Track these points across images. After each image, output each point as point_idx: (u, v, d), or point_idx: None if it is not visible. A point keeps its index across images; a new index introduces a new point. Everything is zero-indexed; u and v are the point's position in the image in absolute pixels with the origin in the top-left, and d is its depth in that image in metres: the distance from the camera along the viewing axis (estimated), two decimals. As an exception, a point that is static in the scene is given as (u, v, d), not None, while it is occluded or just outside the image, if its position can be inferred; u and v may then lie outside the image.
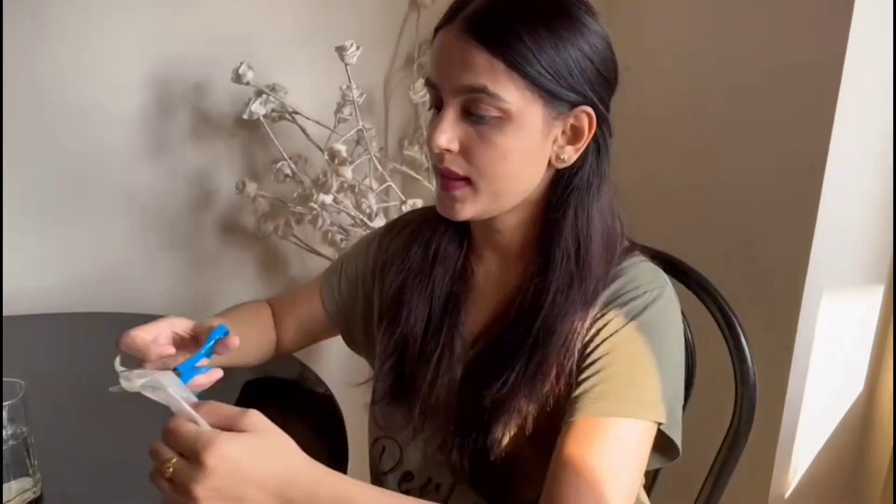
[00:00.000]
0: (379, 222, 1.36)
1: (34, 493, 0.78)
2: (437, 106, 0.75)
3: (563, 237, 0.76)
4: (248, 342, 0.94)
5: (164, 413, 0.59)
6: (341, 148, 1.31)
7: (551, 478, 0.68)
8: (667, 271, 0.97)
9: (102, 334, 1.27)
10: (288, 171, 1.39)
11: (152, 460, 0.56)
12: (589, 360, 0.73)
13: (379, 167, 1.40)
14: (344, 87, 1.34)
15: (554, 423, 0.73)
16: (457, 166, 0.74)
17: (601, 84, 0.74)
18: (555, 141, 0.74)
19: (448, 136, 0.73)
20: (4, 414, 0.75)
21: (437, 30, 0.75)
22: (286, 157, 1.39)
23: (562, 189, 0.76)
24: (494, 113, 0.71)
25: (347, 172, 1.32)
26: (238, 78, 1.32)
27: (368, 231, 1.37)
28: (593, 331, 0.74)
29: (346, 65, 1.29)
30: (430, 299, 0.85)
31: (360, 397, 0.94)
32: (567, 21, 0.70)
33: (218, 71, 1.38)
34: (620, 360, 0.72)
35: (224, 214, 1.49)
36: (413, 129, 1.60)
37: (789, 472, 1.37)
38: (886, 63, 1.18)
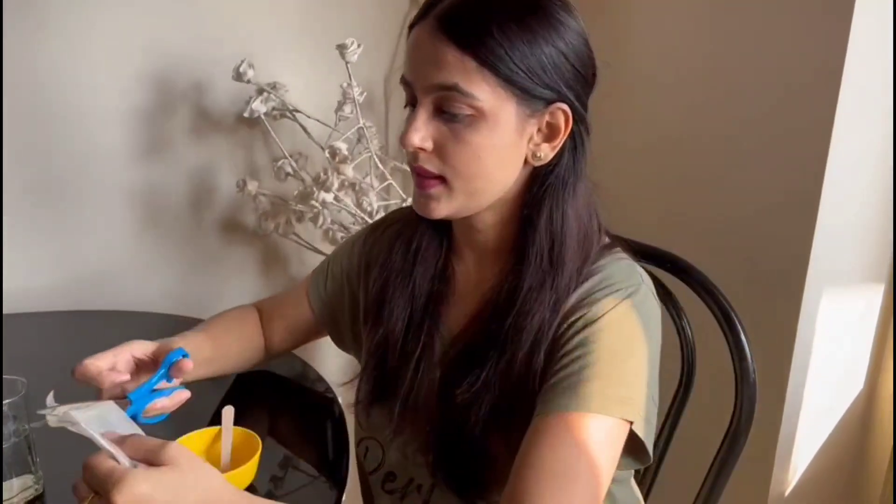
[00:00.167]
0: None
1: (36, 490, 0.78)
2: (412, 104, 0.75)
3: (537, 235, 0.75)
4: (230, 352, 0.95)
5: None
6: (342, 146, 1.32)
7: (514, 472, 0.68)
8: (667, 269, 0.97)
9: (104, 332, 1.28)
10: (289, 170, 1.39)
11: (74, 496, 0.56)
12: (559, 355, 0.73)
13: (380, 165, 1.40)
14: (345, 84, 1.34)
15: (527, 420, 0.72)
16: (431, 165, 0.74)
17: (578, 81, 0.73)
18: (530, 139, 0.74)
19: (421, 134, 0.73)
20: (5, 411, 0.75)
21: (411, 26, 0.75)
22: (287, 155, 1.39)
23: (537, 187, 0.76)
24: (467, 111, 0.70)
25: (348, 170, 1.32)
26: (239, 76, 1.32)
27: (368, 229, 1.38)
28: (564, 327, 0.74)
29: (347, 63, 1.29)
30: (410, 299, 0.85)
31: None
32: (541, 18, 0.70)
33: (219, 69, 1.38)
34: (590, 356, 0.71)
35: (225, 212, 1.50)
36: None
37: (789, 470, 1.37)
38: (887, 62, 1.18)
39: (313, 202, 1.34)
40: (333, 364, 1.59)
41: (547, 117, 0.73)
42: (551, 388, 0.71)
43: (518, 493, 0.66)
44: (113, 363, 0.78)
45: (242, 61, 1.31)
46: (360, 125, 1.35)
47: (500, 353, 0.75)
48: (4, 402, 0.75)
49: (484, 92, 0.69)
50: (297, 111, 1.38)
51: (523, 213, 0.77)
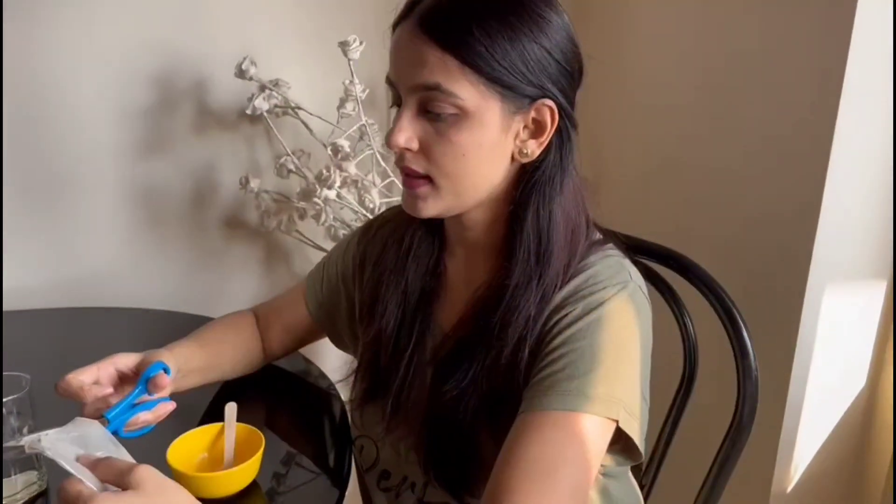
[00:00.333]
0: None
1: (40, 486, 0.79)
2: (398, 104, 0.75)
3: (524, 233, 0.75)
4: (223, 359, 0.95)
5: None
6: (344, 143, 1.32)
7: (496, 469, 0.67)
8: (670, 266, 0.97)
9: (107, 329, 1.28)
10: (291, 167, 1.39)
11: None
12: (544, 353, 0.73)
13: (382, 163, 1.40)
14: (347, 82, 1.34)
15: (514, 417, 0.72)
16: (417, 165, 0.74)
17: (563, 77, 0.73)
18: (517, 136, 0.74)
19: (406, 134, 0.73)
20: (9, 407, 0.76)
21: (394, 26, 0.75)
22: (289, 152, 1.39)
23: (525, 184, 0.76)
24: (450, 110, 0.70)
25: (350, 168, 1.32)
26: (241, 73, 1.32)
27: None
28: (550, 324, 0.74)
29: (350, 60, 1.29)
30: (403, 297, 0.85)
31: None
32: (523, 15, 0.70)
33: (221, 66, 1.38)
34: (574, 354, 0.71)
35: (227, 210, 1.50)
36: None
37: (791, 468, 1.37)
38: (889, 60, 1.18)
39: (315, 199, 1.34)
40: (336, 361, 1.59)
41: (532, 114, 0.73)
42: (535, 385, 0.71)
43: (499, 489, 0.65)
44: (96, 377, 0.77)
45: (245, 58, 1.31)
46: (363, 122, 1.35)
47: (487, 350, 0.76)
48: (9, 398, 0.75)
49: (467, 91, 0.69)
50: (300, 108, 1.38)
51: (511, 210, 0.77)
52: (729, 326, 0.93)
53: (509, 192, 0.77)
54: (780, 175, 1.28)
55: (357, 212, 1.39)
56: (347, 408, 0.94)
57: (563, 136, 0.75)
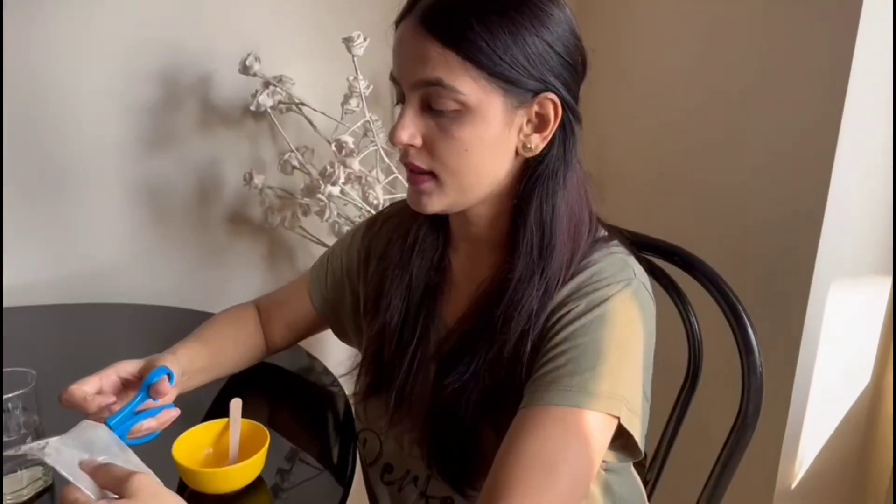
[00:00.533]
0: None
1: (45, 482, 0.79)
2: (402, 101, 0.75)
3: (527, 226, 0.75)
4: (226, 356, 0.95)
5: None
6: (348, 139, 1.32)
7: (496, 463, 0.68)
8: (675, 263, 0.97)
9: (111, 325, 1.29)
10: (295, 163, 1.39)
11: None
12: (547, 349, 0.73)
13: (386, 159, 1.40)
14: (351, 78, 1.34)
15: (515, 411, 0.72)
16: (421, 161, 0.74)
17: (566, 70, 0.73)
18: (520, 130, 0.74)
19: (409, 131, 0.73)
20: (11, 403, 0.76)
21: (396, 23, 0.75)
22: (293, 148, 1.39)
23: (528, 178, 0.76)
24: (453, 106, 0.70)
25: (354, 164, 1.32)
26: (245, 69, 1.32)
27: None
28: (553, 320, 0.74)
29: (354, 56, 1.29)
30: (407, 291, 0.85)
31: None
32: (523, 9, 0.70)
33: (225, 62, 1.38)
34: (576, 350, 0.71)
35: (231, 206, 1.50)
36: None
37: (796, 464, 1.37)
38: (890, 65, 1.18)
39: (319, 195, 1.34)
40: (339, 356, 1.59)
41: (536, 108, 0.73)
42: (537, 381, 0.71)
43: (499, 484, 0.66)
44: (98, 387, 0.77)
45: (249, 54, 1.31)
46: (367, 119, 1.35)
47: (490, 344, 0.76)
48: (14, 393, 0.76)
49: (468, 86, 0.69)
50: (304, 104, 1.38)
51: (514, 204, 0.77)
52: (733, 323, 0.93)
53: (513, 186, 0.77)
54: (785, 172, 1.28)
55: (361, 208, 1.39)
56: (351, 402, 0.94)
57: (566, 129, 0.75)
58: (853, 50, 1.14)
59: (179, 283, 1.48)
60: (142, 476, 0.57)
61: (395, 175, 1.42)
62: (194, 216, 1.47)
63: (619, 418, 0.70)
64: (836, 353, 1.33)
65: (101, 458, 0.60)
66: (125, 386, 0.80)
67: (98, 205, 1.38)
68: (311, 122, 1.40)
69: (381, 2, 1.50)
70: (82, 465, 0.58)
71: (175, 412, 0.79)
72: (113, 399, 0.77)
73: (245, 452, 0.82)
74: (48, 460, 0.58)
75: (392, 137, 0.73)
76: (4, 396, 0.75)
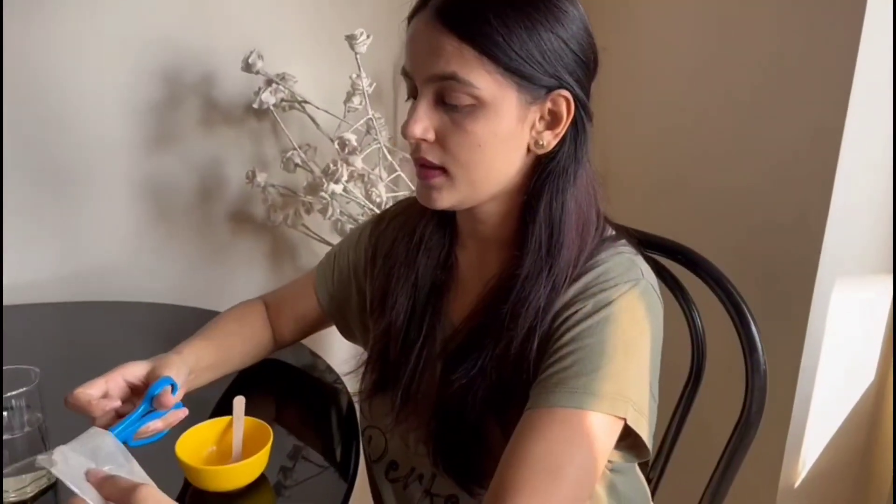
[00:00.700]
0: (385, 212, 1.36)
1: (49, 479, 0.79)
2: (414, 95, 0.75)
3: (536, 223, 0.75)
4: (233, 353, 0.96)
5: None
6: (351, 137, 1.31)
7: (502, 465, 0.67)
8: (678, 261, 0.97)
9: (114, 323, 1.29)
10: (298, 161, 1.39)
11: None
12: (553, 348, 0.72)
13: (388, 156, 1.40)
14: (354, 76, 1.33)
15: (521, 410, 0.72)
16: (433, 156, 0.74)
17: (579, 67, 0.73)
18: (532, 126, 0.73)
19: (423, 125, 0.72)
20: (15, 401, 0.76)
21: (410, 17, 0.74)
22: (296, 146, 1.39)
23: (538, 175, 0.75)
24: (467, 100, 0.70)
25: (357, 162, 1.32)
26: (248, 67, 1.32)
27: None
28: (559, 320, 0.73)
29: (356, 54, 1.29)
30: (413, 289, 0.85)
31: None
32: (539, 5, 0.70)
33: (228, 60, 1.38)
34: (582, 351, 0.70)
35: (234, 204, 1.50)
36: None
37: (799, 463, 1.37)
38: (890, 70, 1.17)
39: (322, 193, 1.34)
40: (343, 354, 1.59)
41: (549, 104, 0.73)
42: (543, 382, 0.71)
43: (504, 486, 0.65)
44: (104, 390, 0.77)
45: (252, 52, 1.31)
46: (369, 116, 1.35)
47: (497, 340, 0.76)
48: (18, 391, 0.76)
49: (483, 81, 0.69)
50: (306, 102, 1.38)
51: (524, 200, 0.77)
52: (737, 321, 0.93)
53: (523, 183, 0.77)
54: (789, 170, 1.28)
55: (363, 206, 1.39)
56: (355, 400, 0.94)
57: (578, 127, 0.75)
58: (857, 54, 1.14)
59: (182, 280, 1.49)
60: (147, 487, 0.57)
61: (397, 173, 1.42)
62: (197, 214, 1.47)
63: (625, 419, 0.70)
64: (840, 352, 1.32)
65: (107, 468, 0.60)
66: (131, 390, 0.79)
67: (101, 203, 1.38)
68: (313, 120, 1.40)
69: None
70: (88, 476, 0.58)
71: (183, 412, 0.79)
72: (118, 403, 0.77)
73: (248, 450, 0.82)
74: (55, 471, 0.58)
75: (404, 132, 0.73)
76: (8, 394, 0.75)
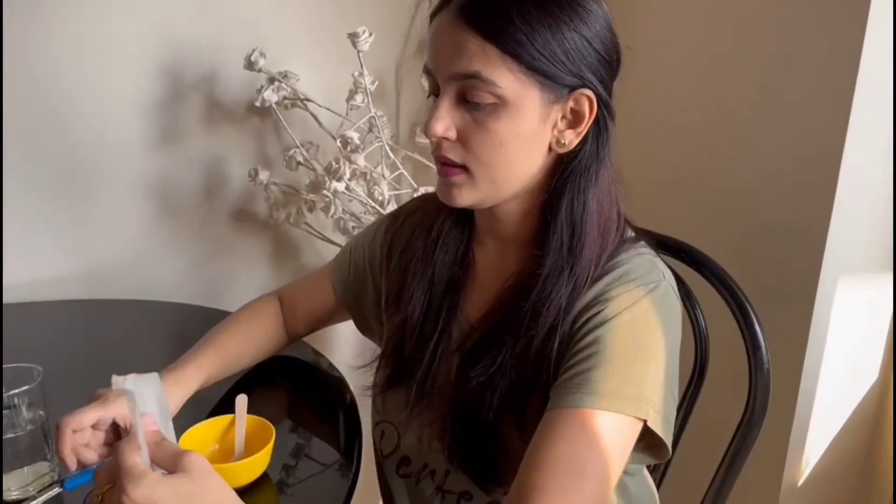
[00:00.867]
0: (391, 210, 1.36)
1: (52, 477, 0.79)
2: (435, 93, 0.75)
3: (558, 222, 0.75)
4: (243, 356, 0.96)
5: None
6: (353, 135, 1.31)
7: (524, 466, 0.67)
8: (682, 260, 0.97)
9: (117, 321, 1.29)
10: (300, 159, 1.39)
11: (94, 483, 0.57)
12: (575, 349, 0.72)
13: (391, 154, 1.40)
14: (356, 73, 1.33)
15: (540, 408, 0.72)
16: (454, 154, 0.74)
17: (602, 67, 0.73)
18: (554, 125, 0.73)
19: (445, 123, 0.72)
20: (17, 399, 0.76)
21: (432, 15, 0.74)
22: (298, 144, 1.39)
23: (560, 174, 0.75)
24: (489, 99, 0.70)
25: (360, 160, 1.32)
26: (250, 65, 1.31)
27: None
28: (581, 321, 0.73)
29: (359, 51, 1.28)
30: (430, 284, 0.85)
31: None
32: (563, 4, 0.69)
33: (230, 58, 1.38)
34: (605, 351, 0.70)
35: (236, 202, 1.50)
36: (424, 117, 1.59)
37: (802, 461, 1.37)
38: (890, 71, 1.17)
39: (325, 192, 1.34)
40: (346, 352, 1.60)
41: (571, 104, 0.73)
42: (564, 382, 0.70)
43: (528, 487, 0.65)
44: (95, 420, 0.75)
45: (254, 50, 1.31)
46: (372, 114, 1.35)
47: (517, 338, 0.75)
48: (20, 389, 0.76)
49: (506, 79, 0.69)
50: (309, 100, 1.38)
51: (545, 199, 0.76)
52: (741, 320, 0.92)
53: (544, 182, 0.76)
54: (793, 168, 1.27)
55: (366, 204, 1.39)
56: (357, 394, 0.94)
57: (600, 126, 0.75)
58: (860, 54, 1.14)
59: (184, 278, 1.49)
60: (195, 455, 0.57)
61: (400, 171, 1.42)
62: (199, 212, 1.47)
63: (645, 421, 0.70)
64: (843, 350, 1.32)
65: (150, 412, 0.59)
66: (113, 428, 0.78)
67: (103, 201, 1.38)
68: (316, 118, 1.40)
69: (387, -3, 1.51)
70: (144, 425, 0.58)
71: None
72: (95, 459, 0.76)
73: (250, 448, 0.82)
74: (138, 403, 0.57)
75: (427, 130, 0.73)
76: (11, 392, 0.75)
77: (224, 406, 0.91)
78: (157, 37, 1.34)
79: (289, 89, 1.35)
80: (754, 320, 0.91)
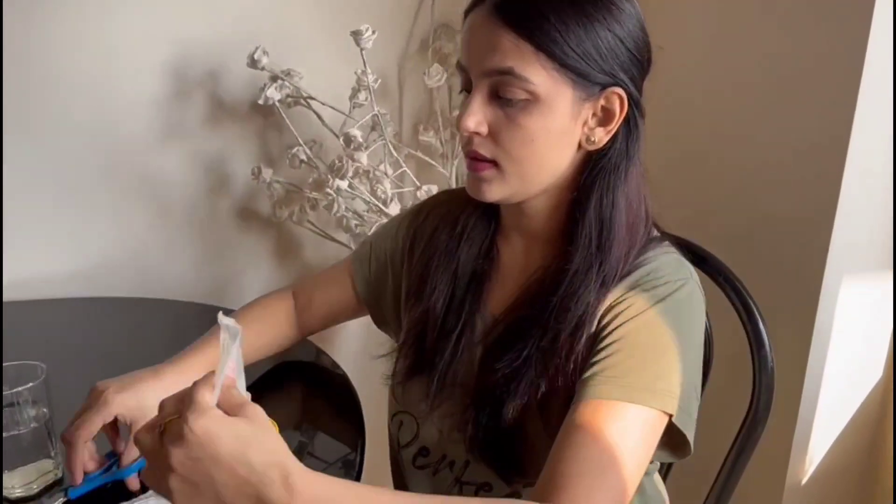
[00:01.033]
0: (394, 208, 1.36)
1: (55, 475, 0.79)
2: (467, 89, 0.75)
3: (587, 219, 0.75)
4: (252, 355, 0.96)
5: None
6: (356, 133, 1.31)
7: (552, 457, 0.67)
8: (686, 257, 0.96)
9: (120, 319, 1.29)
10: (303, 157, 1.39)
11: (157, 411, 0.57)
12: (603, 343, 0.73)
13: (394, 152, 1.39)
14: (359, 71, 1.33)
15: (565, 401, 0.73)
16: (485, 149, 0.74)
17: (633, 65, 0.73)
18: (585, 123, 0.74)
19: (477, 118, 0.73)
20: (21, 396, 0.76)
21: (466, 12, 0.75)
22: (301, 142, 1.39)
23: (589, 171, 0.76)
24: (522, 95, 0.71)
25: (362, 158, 1.32)
26: (253, 63, 1.31)
27: (383, 217, 1.37)
28: (610, 315, 0.74)
29: (362, 49, 1.28)
30: (453, 277, 0.85)
31: (375, 378, 0.95)
32: (597, 2, 0.70)
33: (233, 56, 1.38)
34: (634, 345, 0.71)
35: (239, 200, 1.50)
36: (427, 115, 1.59)
37: (806, 460, 1.37)
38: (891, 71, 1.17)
39: (328, 190, 1.34)
40: (348, 351, 1.60)
41: (602, 102, 0.73)
42: (593, 376, 0.71)
43: (555, 479, 0.65)
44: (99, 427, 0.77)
45: (257, 48, 1.31)
46: (375, 112, 1.35)
47: (543, 332, 0.76)
48: (24, 386, 0.76)
49: (539, 76, 0.70)
50: (312, 98, 1.37)
51: (574, 196, 0.77)
52: (745, 318, 0.92)
53: (573, 179, 0.77)
54: (797, 166, 1.27)
55: (369, 202, 1.39)
56: (388, 383, 0.93)
57: (630, 124, 0.75)
58: (865, 48, 1.13)
59: (187, 276, 1.49)
60: (257, 407, 0.57)
61: (403, 169, 1.42)
62: (202, 210, 1.47)
63: (671, 416, 0.70)
64: (848, 348, 1.32)
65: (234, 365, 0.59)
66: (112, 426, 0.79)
67: (106, 199, 1.38)
68: (319, 116, 1.40)
69: (390, -6, 1.51)
70: (227, 369, 0.57)
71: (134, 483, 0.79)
72: (93, 466, 0.78)
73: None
74: (234, 349, 0.57)
75: (459, 125, 0.74)
76: (15, 389, 0.76)
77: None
78: (159, 35, 1.34)
79: (292, 87, 1.35)
80: (758, 318, 0.91)
